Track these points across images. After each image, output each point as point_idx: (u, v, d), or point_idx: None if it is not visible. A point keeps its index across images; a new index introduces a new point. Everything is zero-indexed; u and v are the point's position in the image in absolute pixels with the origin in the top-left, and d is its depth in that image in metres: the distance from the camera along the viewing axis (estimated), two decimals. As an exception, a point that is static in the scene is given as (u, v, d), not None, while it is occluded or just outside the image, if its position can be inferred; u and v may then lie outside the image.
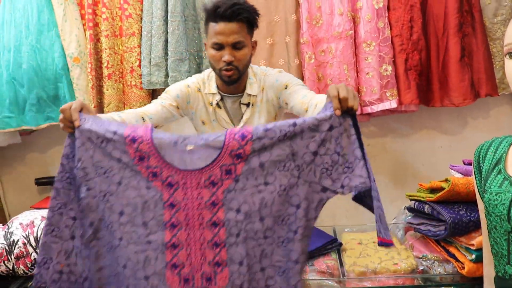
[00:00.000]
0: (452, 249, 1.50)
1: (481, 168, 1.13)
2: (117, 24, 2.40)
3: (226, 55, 1.56)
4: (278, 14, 2.29)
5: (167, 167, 1.20)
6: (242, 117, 1.75)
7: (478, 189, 1.14)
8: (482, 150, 1.15)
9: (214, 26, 1.55)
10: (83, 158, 1.21)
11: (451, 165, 1.74)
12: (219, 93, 1.72)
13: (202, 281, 1.19)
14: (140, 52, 2.35)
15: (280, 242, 1.17)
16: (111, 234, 1.22)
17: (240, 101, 1.74)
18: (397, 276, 1.47)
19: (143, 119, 1.57)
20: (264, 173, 1.16)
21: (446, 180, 1.52)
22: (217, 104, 1.73)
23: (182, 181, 1.19)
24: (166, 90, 1.74)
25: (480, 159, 1.14)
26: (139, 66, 2.36)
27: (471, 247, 1.42)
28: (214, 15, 1.54)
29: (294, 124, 1.14)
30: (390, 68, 2.19)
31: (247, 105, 1.73)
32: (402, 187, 2.50)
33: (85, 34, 2.41)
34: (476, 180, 1.15)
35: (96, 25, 2.40)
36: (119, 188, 1.21)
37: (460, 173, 1.66)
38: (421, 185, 1.66)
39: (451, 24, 2.16)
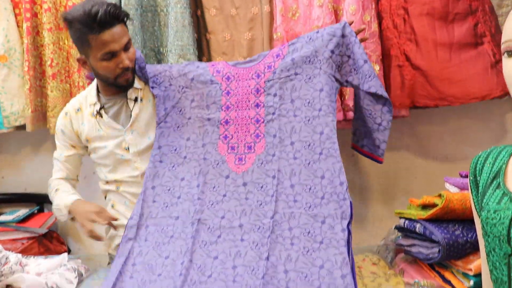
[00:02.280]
0: (447, 275, 1.50)
1: (478, 182, 1.12)
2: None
3: (124, 60, 1.72)
4: (255, 5, 2.29)
5: (228, 67, 1.86)
6: (131, 114, 1.86)
7: (475, 206, 1.13)
8: (478, 162, 1.14)
9: (99, 37, 1.66)
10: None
11: (446, 178, 1.76)
12: (99, 101, 1.88)
13: (244, 148, 1.73)
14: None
15: (307, 120, 1.67)
16: (182, 116, 1.84)
17: (126, 97, 1.87)
18: (385, 308, 1.46)
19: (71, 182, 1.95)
20: (294, 66, 1.76)
21: (440, 196, 1.52)
22: (98, 113, 1.86)
23: (237, 75, 1.83)
24: (56, 132, 1.95)
25: (477, 172, 1.13)
26: (88, 76, 2.31)
27: (469, 272, 1.41)
28: (93, 26, 1.64)
29: (317, 31, 1.77)
30: (377, 67, 2.18)
31: (135, 100, 1.87)
32: (392, 203, 2.50)
33: (20, 27, 2.34)
34: (472, 195, 1.14)
35: (34, 15, 2.34)
36: (192, 83, 1.87)
37: (457, 186, 1.67)
38: (411, 201, 1.67)
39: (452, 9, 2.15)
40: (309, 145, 1.64)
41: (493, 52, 2.15)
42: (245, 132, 1.77)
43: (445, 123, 2.49)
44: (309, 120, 1.67)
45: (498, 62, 2.15)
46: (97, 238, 1.72)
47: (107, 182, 1.95)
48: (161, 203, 1.73)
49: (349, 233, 1.48)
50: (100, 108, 1.86)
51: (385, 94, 1.75)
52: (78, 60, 1.78)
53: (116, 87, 1.83)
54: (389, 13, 2.20)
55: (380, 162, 1.92)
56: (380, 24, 2.22)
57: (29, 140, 2.66)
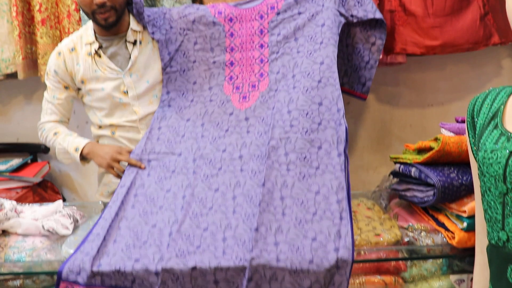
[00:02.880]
0: (441, 218, 1.52)
1: (475, 123, 1.12)
2: (49, -44, 2.28)
3: None
4: None
5: (229, 7, 1.86)
6: (130, 57, 1.85)
7: (471, 147, 1.13)
8: (476, 103, 1.13)
9: None
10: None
11: (442, 123, 1.74)
12: (97, 40, 1.82)
13: (248, 87, 1.78)
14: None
15: (308, 54, 1.69)
16: (186, 59, 1.87)
17: (125, 40, 1.84)
18: (379, 249, 1.47)
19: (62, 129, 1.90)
20: (297, 6, 1.78)
21: (436, 139, 1.52)
22: (96, 52, 1.82)
23: (239, 16, 1.85)
24: (46, 72, 1.90)
25: (475, 113, 1.13)
26: (76, 9, 2.25)
27: (463, 214, 1.43)
28: None
29: None
30: None
31: (134, 43, 1.85)
32: (387, 152, 2.52)
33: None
34: (469, 137, 1.13)
35: (21, -43, 2.27)
36: (194, 25, 1.87)
37: (452, 132, 1.65)
38: (407, 146, 1.66)
39: None
40: (308, 74, 1.65)
41: (483, 3, 2.13)
42: (250, 72, 1.82)
43: (442, 70, 2.47)
44: (310, 53, 1.70)
45: (486, 14, 2.14)
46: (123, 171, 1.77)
47: (100, 127, 1.93)
48: (165, 140, 1.78)
49: (346, 157, 1.49)
50: (99, 48, 1.83)
51: (381, 17, 1.81)
52: None
53: (97, 25, 1.78)
54: None
55: (364, 99, 1.97)
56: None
57: (20, 89, 2.62)
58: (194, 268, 1.33)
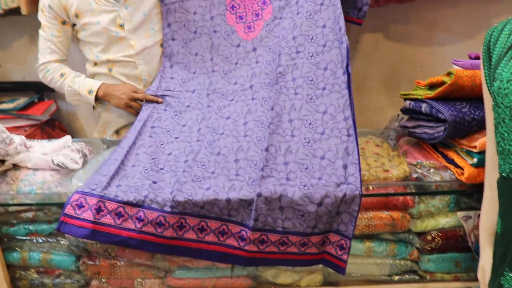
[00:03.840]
0: (451, 154, 1.50)
1: (492, 53, 1.09)
2: None
3: None
4: None
5: None
6: None
7: (486, 80, 1.11)
8: (494, 33, 1.10)
9: None
10: None
11: (454, 60, 1.69)
12: None
13: (252, 16, 1.77)
14: None
15: (308, 14, 1.61)
16: (187, 29, 1.83)
17: None
18: (388, 184, 1.47)
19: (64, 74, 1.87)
20: None
21: (449, 74, 1.48)
22: None
23: None
24: (40, 9, 1.84)
25: (491, 43, 1.10)
26: None
27: (473, 150, 1.41)
28: None
29: None
30: None
31: None
32: (395, 92, 2.34)
33: None
34: (484, 68, 1.11)
35: None
36: None
37: (465, 68, 1.60)
38: (418, 82, 1.63)
39: None
40: (312, 38, 1.61)
41: None
42: (252, 0, 1.79)
43: (455, 7, 2.39)
44: (311, 14, 1.64)
45: None
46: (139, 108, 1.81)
47: (96, 64, 1.90)
48: (179, 79, 1.82)
49: (349, 75, 1.50)
50: None
51: None
52: None
53: None
54: None
55: (360, 24, 1.92)
56: None
57: (24, 27, 2.57)
58: (208, 189, 1.37)
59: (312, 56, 1.56)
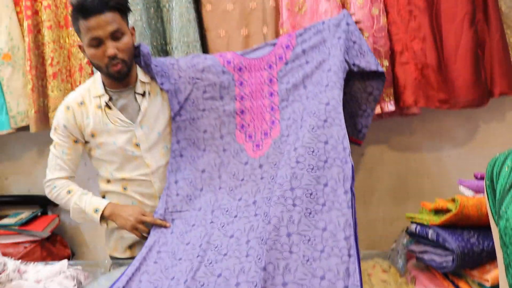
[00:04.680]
0: (462, 284, 1.41)
1: (495, 187, 1.03)
2: (62, 13, 2.31)
3: (109, 49, 1.68)
4: (254, 0, 2.23)
5: (238, 57, 1.91)
6: (140, 109, 1.84)
7: (491, 213, 1.04)
8: (496, 165, 1.05)
9: (86, 23, 1.65)
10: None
11: (460, 180, 1.65)
12: (107, 93, 1.82)
13: (261, 135, 1.82)
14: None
15: (315, 95, 1.70)
16: (195, 108, 1.87)
17: (134, 92, 1.84)
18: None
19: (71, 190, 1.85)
20: (305, 56, 1.83)
21: (453, 200, 1.44)
22: (106, 105, 1.81)
23: (248, 66, 1.89)
24: (53, 127, 1.86)
25: (494, 176, 1.04)
26: (88, 62, 2.25)
27: (486, 284, 1.33)
28: (82, 11, 1.64)
29: (323, 23, 1.84)
30: (386, 63, 2.14)
31: (143, 94, 1.84)
32: (404, 204, 2.44)
33: (21, 25, 2.30)
34: (489, 202, 1.05)
35: (35, 13, 2.30)
36: (203, 74, 1.88)
37: (472, 189, 1.57)
38: (424, 204, 1.59)
39: (461, 6, 2.07)
40: (313, 113, 1.65)
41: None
42: (261, 120, 1.85)
43: (458, 117, 2.39)
44: (316, 95, 1.72)
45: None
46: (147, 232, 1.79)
47: (109, 181, 1.89)
48: (184, 196, 1.81)
49: (352, 195, 1.48)
50: (109, 100, 1.82)
51: (382, 70, 1.84)
52: (79, 46, 1.77)
53: (110, 77, 1.78)
54: (396, 7, 2.13)
55: (359, 145, 1.99)
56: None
57: (33, 141, 2.62)
58: None
59: (312, 169, 1.53)
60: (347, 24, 1.81)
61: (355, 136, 1.96)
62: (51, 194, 1.88)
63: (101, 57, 1.70)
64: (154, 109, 1.86)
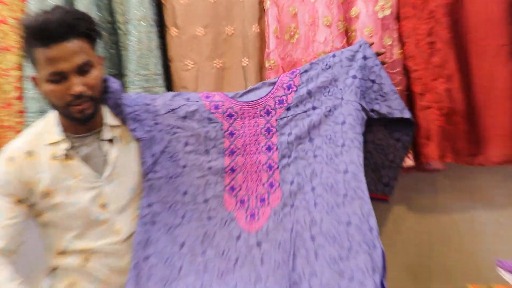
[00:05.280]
0: None
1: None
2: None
3: (75, 86, 1.47)
4: (231, 24, 2.03)
5: (228, 100, 1.72)
6: (106, 159, 1.62)
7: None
8: None
9: (46, 52, 1.44)
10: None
11: (499, 261, 1.57)
12: (67, 138, 1.59)
13: (256, 201, 1.64)
14: (22, 76, 1.98)
15: (329, 159, 1.59)
16: (174, 163, 1.68)
17: (99, 138, 1.63)
18: None
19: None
20: (311, 100, 1.68)
21: (490, 290, 1.34)
22: (66, 154, 1.57)
23: (241, 112, 1.71)
24: None
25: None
26: (20, 98, 1.98)
27: None
28: (41, 37, 1.43)
29: (334, 56, 1.69)
30: None
31: (111, 141, 1.64)
32: (426, 285, 2.18)
33: None
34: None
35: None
36: (185, 121, 1.70)
37: (514, 275, 1.44)
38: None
39: (497, 36, 1.90)
40: (331, 186, 1.57)
41: None
42: (256, 181, 1.69)
43: (498, 177, 2.13)
44: (330, 158, 1.61)
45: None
46: None
47: (63, 253, 1.58)
48: (158, 278, 1.58)
49: None
50: (70, 148, 1.56)
51: (409, 116, 1.69)
52: (33, 79, 1.55)
53: (70, 119, 1.56)
54: (413, 38, 1.96)
55: (386, 201, 1.86)
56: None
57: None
58: None
59: (334, 261, 1.46)
60: (364, 57, 1.67)
61: (381, 191, 1.81)
62: None
63: (62, 95, 1.48)
64: (125, 159, 1.65)
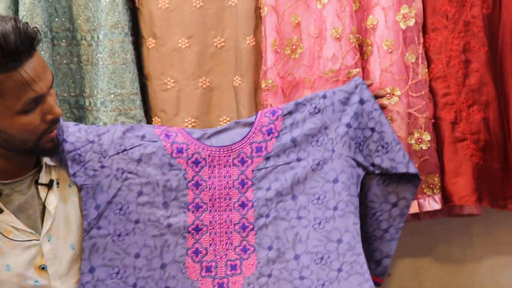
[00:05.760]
0: None
1: None
2: None
3: (55, 107, 1.34)
4: (221, 34, 1.91)
5: (194, 143, 1.56)
6: (43, 209, 1.45)
7: None
8: None
9: (18, 75, 1.24)
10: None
11: None
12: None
13: (226, 269, 1.52)
14: None
15: (317, 223, 1.50)
16: (124, 217, 1.52)
17: (36, 182, 1.46)
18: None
19: None
20: (296, 149, 1.57)
21: None
22: None
23: (210, 158, 1.56)
24: None
25: None
26: None
27: None
28: (9, 54, 1.23)
29: (324, 97, 1.58)
30: (427, 137, 1.84)
31: (49, 185, 1.47)
32: None
33: None
34: None
35: None
36: (139, 166, 1.53)
37: None
38: None
39: None
40: (321, 258, 1.48)
41: None
42: (226, 244, 1.55)
43: None
44: (320, 223, 1.51)
45: None
46: None
47: None
48: None
49: None
50: None
51: (415, 171, 1.58)
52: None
53: (32, 154, 1.41)
54: (444, 54, 1.87)
55: (379, 284, 1.73)
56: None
57: None
58: None
59: None
60: (361, 101, 1.55)
61: (372, 271, 1.62)
62: None
63: (38, 125, 1.32)
64: (65, 207, 1.50)
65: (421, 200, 1.85)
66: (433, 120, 1.85)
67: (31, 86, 1.26)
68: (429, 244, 2.10)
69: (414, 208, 1.83)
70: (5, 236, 1.40)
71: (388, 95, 1.83)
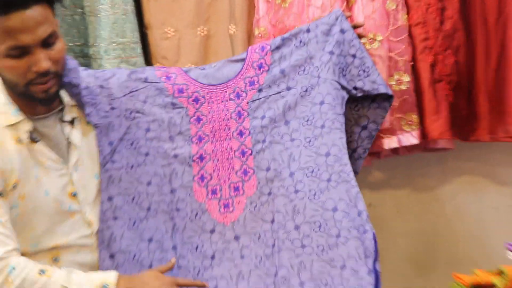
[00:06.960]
0: None
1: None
2: None
3: (41, 62, 1.43)
4: None
5: (193, 83, 1.74)
6: (69, 144, 1.60)
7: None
8: None
9: (2, 22, 1.38)
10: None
11: (508, 244, 1.62)
12: (28, 118, 1.53)
13: (229, 191, 1.68)
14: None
15: (307, 142, 1.64)
16: (135, 151, 1.70)
17: (61, 119, 1.61)
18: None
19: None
20: (285, 79, 1.71)
21: (500, 273, 1.44)
22: (31, 137, 1.52)
23: (208, 96, 1.74)
24: None
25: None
26: None
27: None
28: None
29: (308, 30, 1.72)
30: (406, 78, 2.01)
31: (71, 122, 1.62)
32: (429, 275, 2.31)
33: None
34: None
35: None
36: (145, 105, 1.72)
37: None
38: (458, 278, 1.54)
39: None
40: (312, 171, 1.61)
41: None
42: (229, 169, 1.71)
43: (508, 158, 2.24)
44: (309, 141, 1.65)
45: None
46: None
47: (26, 255, 1.47)
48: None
49: (377, 274, 1.50)
50: (33, 131, 1.52)
51: (391, 93, 1.74)
52: None
53: (30, 99, 1.51)
54: (423, 1, 2.03)
55: None
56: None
57: None
58: None
59: (323, 250, 1.53)
60: (342, 31, 1.69)
61: None
62: (8, 283, 1.43)
63: (23, 72, 1.43)
64: (87, 142, 1.65)
65: (401, 136, 2.04)
66: (412, 63, 2.01)
67: (14, 35, 1.38)
68: (407, 178, 2.30)
69: (394, 143, 2.05)
70: (41, 165, 1.52)
71: (371, 40, 1.97)
